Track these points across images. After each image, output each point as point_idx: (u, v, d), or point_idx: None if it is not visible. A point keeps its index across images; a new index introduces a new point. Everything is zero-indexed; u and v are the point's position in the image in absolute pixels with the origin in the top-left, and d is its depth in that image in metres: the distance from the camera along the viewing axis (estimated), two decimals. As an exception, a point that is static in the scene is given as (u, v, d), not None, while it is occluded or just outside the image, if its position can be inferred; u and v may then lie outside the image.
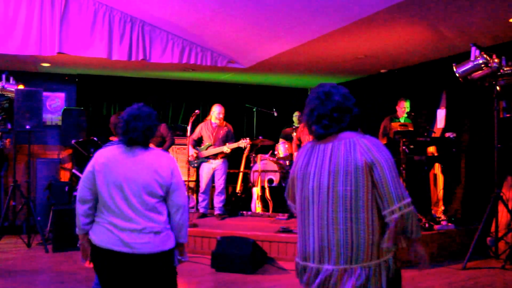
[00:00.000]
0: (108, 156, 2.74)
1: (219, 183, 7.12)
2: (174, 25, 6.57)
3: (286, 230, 5.83)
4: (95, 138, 7.30)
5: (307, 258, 2.25)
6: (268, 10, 5.68)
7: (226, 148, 6.99)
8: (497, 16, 5.16)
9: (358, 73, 8.54)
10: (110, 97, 9.10)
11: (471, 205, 6.51)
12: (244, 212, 7.43)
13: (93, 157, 2.80)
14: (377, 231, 2.15)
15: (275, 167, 7.91)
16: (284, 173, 7.90)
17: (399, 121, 6.96)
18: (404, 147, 6.21)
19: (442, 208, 6.83)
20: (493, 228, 5.67)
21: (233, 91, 9.85)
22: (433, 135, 6.96)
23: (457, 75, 5.48)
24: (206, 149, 7.13)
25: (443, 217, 6.35)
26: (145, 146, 2.79)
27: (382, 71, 8.31)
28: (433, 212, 6.62)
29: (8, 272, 5.21)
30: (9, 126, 7.27)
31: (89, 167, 2.76)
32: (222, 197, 7.17)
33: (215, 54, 7.22)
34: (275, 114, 8.32)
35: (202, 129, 7.24)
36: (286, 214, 6.94)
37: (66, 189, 7.18)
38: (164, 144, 6.86)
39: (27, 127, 6.36)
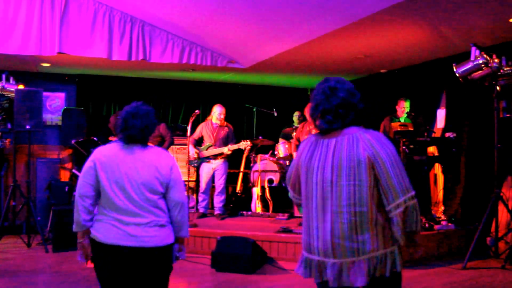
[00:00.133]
0: (108, 154, 2.76)
1: (219, 183, 7.12)
2: (174, 25, 6.57)
3: (286, 230, 5.83)
4: (95, 138, 7.31)
5: (313, 251, 2.26)
6: (268, 10, 5.68)
7: (227, 150, 7.00)
8: (497, 16, 5.16)
9: (358, 73, 8.55)
10: (110, 97, 9.10)
11: (471, 205, 6.50)
12: (244, 212, 7.43)
13: (92, 154, 2.80)
14: (381, 223, 2.18)
15: (275, 167, 7.91)
16: (284, 173, 7.90)
17: (399, 121, 6.96)
18: (404, 147, 6.21)
19: (442, 208, 6.83)
20: (493, 228, 5.67)
21: (233, 91, 9.85)
22: (433, 135, 6.96)
23: (457, 75, 5.48)
24: (207, 149, 7.13)
25: (443, 217, 6.35)
26: (144, 144, 2.81)
27: (382, 71, 8.31)
28: (433, 212, 6.62)
29: (8, 272, 5.20)
30: (9, 126, 7.27)
31: (89, 163, 2.75)
32: (222, 197, 7.17)
33: (215, 54, 7.22)
34: (275, 114, 8.32)
35: (202, 129, 7.24)
36: (286, 214, 6.94)
37: (66, 189, 7.18)
38: (163, 144, 6.88)
39: (27, 127, 6.35)
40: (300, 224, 6.17)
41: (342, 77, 2.34)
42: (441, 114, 7.21)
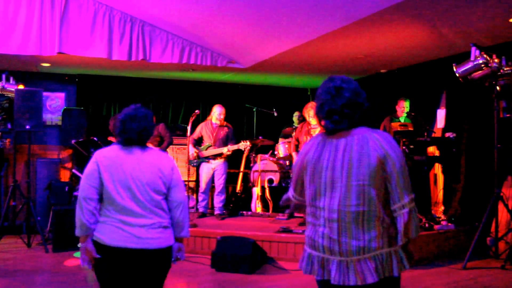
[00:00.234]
0: (110, 156, 2.77)
1: (219, 183, 7.12)
2: (174, 25, 6.57)
3: (286, 230, 5.83)
4: (95, 138, 7.30)
5: (317, 247, 2.27)
6: (268, 10, 5.68)
7: (226, 150, 7.00)
8: (497, 16, 5.16)
9: (358, 73, 8.55)
10: (110, 97, 9.10)
11: (471, 205, 6.50)
12: (244, 212, 7.42)
13: (93, 156, 2.80)
14: (387, 222, 2.21)
15: (275, 167, 7.91)
16: (284, 173, 7.90)
17: (399, 121, 6.96)
18: (404, 147, 6.21)
19: (442, 208, 6.83)
20: (493, 228, 5.67)
21: (233, 91, 9.85)
22: (433, 135, 6.96)
23: (457, 75, 5.48)
24: (206, 149, 7.13)
25: (443, 217, 6.36)
26: (143, 146, 2.84)
27: (382, 71, 8.31)
28: (433, 212, 6.62)
29: (8, 272, 5.20)
30: (9, 126, 7.27)
31: (92, 166, 2.74)
32: (222, 197, 7.17)
33: (215, 54, 7.22)
34: (275, 114, 8.32)
35: (202, 129, 7.24)
36: (286, 214, 6.94)
37: (66, 189, 7.18)
38: (162, 144, 6.89)
39: (27, 127, 6.35)
40: (300, 224, 6.17)
41: (347, 76, 2.34)
42: (441, 114, 7.21)
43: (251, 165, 8.10)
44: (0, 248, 6.23)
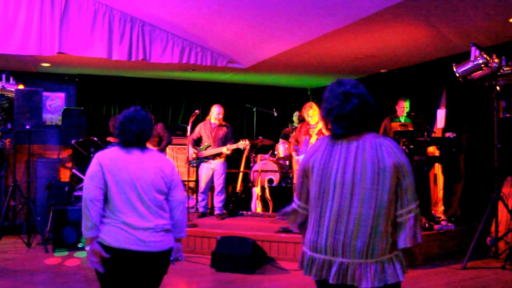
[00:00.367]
0: (113, 157, 2.79)
1: (218, 183, 7.12)
2: (174, 25, 6.57)
3: (286, 230, 5.82)
4: (95, 138, 7.31)
5: (319, 250, 2.27)
6: (268, 10, 5.68)
7: (226, 149, 7.00)
8: (497, 16, 5.16)
9: (358, 73, 8.54)
10: (110, 97, 9.09)
11: (471, 205, 6.51)
12: (244, 212, 7.42)
13: (94, 158, 2.81)
14: (390, 229, 2.23)
15: (275, 167, 7.91)
16: (284, 173, 7.91)
17: (399, 121, 6.96)
18: (404, 147, 6.21)
19: (442, 208, 6.83)
20: (493, 228, 5.67)
21: (233, 91, 9.85)
22: (433, 135, 6.96)
23: (457, 75, 5.47)
24: (205, 149, 7.13)
25: (443, 217, 6.36)
26: (142, 147, 2.88)
27: (382, 71, 8.31)
28: (433, 212, 6.62)
29: (8, 272, 5.20)
30: (9, 126, 7.27)
31: (96, 167, 2.74)
32: (222, 197, 7.17)
33: (215, 54, 7.22)
34: (275, 114, 8.32)
35: (201, 129, 7.25)
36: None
37: (66, 189, 7.17)
38: (161, 144, 6.90)
39: (27, 127, 6.35)
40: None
41: (355, 80, 2.35)
42: (441, 114, 7.21)
43: (251, 165, 8.09)
44: (0, 248, 6.23)
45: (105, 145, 6.73)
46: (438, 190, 6.95)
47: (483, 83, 5.47)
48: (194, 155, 7.15)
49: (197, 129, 7.30)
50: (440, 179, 6.93)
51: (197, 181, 7.90)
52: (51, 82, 8.57)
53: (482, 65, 5.27)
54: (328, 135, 2.40)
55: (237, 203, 7.94)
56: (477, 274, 5.14)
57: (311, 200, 2.35)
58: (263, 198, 7.55)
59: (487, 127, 6.03)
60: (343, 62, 7.53)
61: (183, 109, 9.53)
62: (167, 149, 8.08)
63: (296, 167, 6.63)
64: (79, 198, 6.61)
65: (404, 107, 6.93)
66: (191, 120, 6.83)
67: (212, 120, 7.17)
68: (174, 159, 8.48)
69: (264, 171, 7.77)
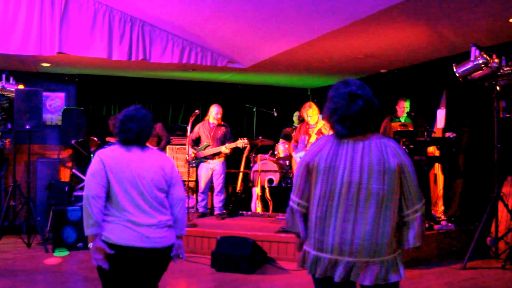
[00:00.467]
0: (114, 155, 2.80)
1: (218, 183, 7.12)
2: (174, 25, 6.57)
3: (286, 230, 5.82)
4: (95, 138, 7.31)
5: (325, 249, 2.27)
6: (268, 10, 5.68)
7: (224, 148, 7.00)
8: (497, 16, 5.16)
9: (358, 73, 8.54)
10: (110, 97, 9.09)
11: (471, 205, 6.50)
12: (244, 212, 7.42)
13: (96, 155, 2.82)
14: (395, 229, 2.27)
15: (275, 167, 7.91)
16: (284, 173, 7.90)
17: (399, 121, 6.96)
18: (404, 147, 6.21)
19: (442, 208, 6.83)
20: (493, 228, 5.67)
21: (233, 91, 9.85)
22: (433, 135, 6.96)
23: (457, 75, 5.47)
24: (204, 149, 7.13)
25: (443, 217, 6.35)
26: (142, 146, 2.90)
27: (382, 71, 8.31)
28: (433, 212, 6.62)
29: (8, 272, 5.20)
30: (9, 126, 7.27)
31: (98, 165, 2.74)
32: (222, 197, 7.17)
33: (215, 54, 7.22)
34: (275, 114, 8.32)
35: (200, 129, 7.24)
36: (286, 214, 6.92)
37: (66, 189, 7.17)
38: (160, 143, 6.90)
39: (27, 127, 6.35)
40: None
41: (361, 81, 2.36)
42: (441, 114, 7.21)
43: (251, 165, 8.09)
44: (0, 248, 6.23)
45: (104, 145, 6.74)
46: (438, 190, 6.95)
47: (483, 83, 5.47)
48: (193, 155, 7.15)
49: (196, 129, 7.30)
50: (440, 179, 6.93)
51: (196, 181, 7.90)
52: (51, 82, 8.57)
53: (482, 65, 5.26)
54: (331, 133, 2.40)
55: (237, 203, 7.93)
56: (477, 274, 5.14)
57: (314, 198, 2.34)
58: (263, 198, 7.55)
59: (487, 127, 6.03)
60: (343, 62, 7.53)
61: (183, 109, 9.53)
62: (167, 149, 8.08)
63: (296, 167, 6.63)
64: (79, 198, 6.62)
65: (404, 107, 6.93)
66: (191, 120, 6.82)
67: (211, 120, 7.17)
68: (174, 159, 8.48)
69: (264, 171, 7.77)
